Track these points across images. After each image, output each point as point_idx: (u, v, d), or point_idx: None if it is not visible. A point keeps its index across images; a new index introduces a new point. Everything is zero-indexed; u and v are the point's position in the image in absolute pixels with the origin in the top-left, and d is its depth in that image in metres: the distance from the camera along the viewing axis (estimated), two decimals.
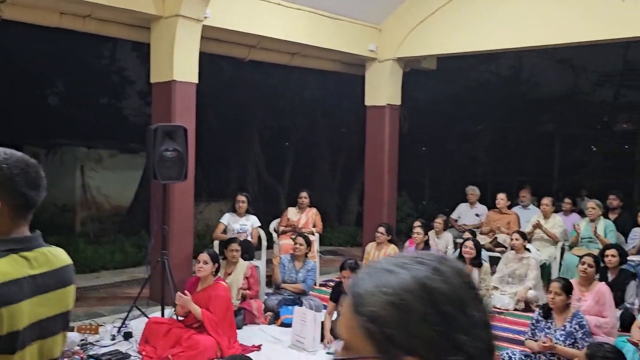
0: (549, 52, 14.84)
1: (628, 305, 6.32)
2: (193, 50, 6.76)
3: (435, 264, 0.91)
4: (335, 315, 6.04)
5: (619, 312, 5.98)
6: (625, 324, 5.92)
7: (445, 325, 0.85)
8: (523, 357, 4.98)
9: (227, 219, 7.68)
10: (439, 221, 8.54)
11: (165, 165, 5.77)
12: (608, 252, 6.49)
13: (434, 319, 0.85)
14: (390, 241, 8.01)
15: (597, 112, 17.14)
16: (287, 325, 6.15)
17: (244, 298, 6.50)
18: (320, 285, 8.02)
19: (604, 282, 6.00)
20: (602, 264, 6.35)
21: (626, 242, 7.66)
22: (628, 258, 7.03)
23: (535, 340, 4.99)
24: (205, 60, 7.36)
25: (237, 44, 8.21)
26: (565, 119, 16.27)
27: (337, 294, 6.01)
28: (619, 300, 6.10)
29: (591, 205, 7.86)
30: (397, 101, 9.42)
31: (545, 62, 15.99)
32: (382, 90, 9.29)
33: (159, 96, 6.84)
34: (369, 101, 9.46)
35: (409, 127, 12.29)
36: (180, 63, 6.62)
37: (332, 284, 7.57)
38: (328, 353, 5.62)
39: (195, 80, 6.84)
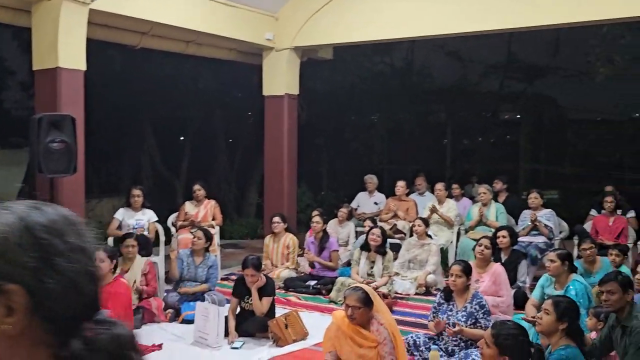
0: (439, 44, 15.36)
1: (520, 285, 6.62)
2: (79, 36, 6.33)
3: (38, 205, 0.98)
4: (238, 310, 5.91)
5: (512, 292, 6.23)
6: (519, 302, 6.19)
7: (43, 251, 0.92)
8: (427, 340, 5.07)
9: (121, 214, 7.32)
10: (343, 210, 8.61)
11: (52, 158, 5.36)
12: (499, 233, 6.77)
13: (31, 247, 0.91)
14: (287, 230, 7.98)
15: (485, 102, 17.96)
16: (189, 321, 5.94)
17: (140, 295, 6.21)
18: (222, 279, 7.82)
19: (499, 263, 6.25)
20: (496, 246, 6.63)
21: (516, 224, 8.03)
22: (519, 239, 7.37)
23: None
24: (94, 47, 6.93)
25: (128, 30, 7.81)
26: (456, 108, 16.92)
27: (239, 289, 5.88)
28: (511, 280, 6.37)
29: (482, 190, 8.19)
30: (295, 91, 9.35)
31: (435, 54, 16.52)
32: (280, 79, 9.18)
33: (43, 84, 6.36)
34: (266, 91, 9.32)
35: (306, 118, 12.29)
36: (65, 49, 6.17)
37: (234, 277, 7.41)
38: (233, 348, 5.48)
39: (83, 67, 6.42)
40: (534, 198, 7.87)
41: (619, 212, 7.74)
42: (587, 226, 7.72)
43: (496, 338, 3.20)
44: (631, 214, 7.96)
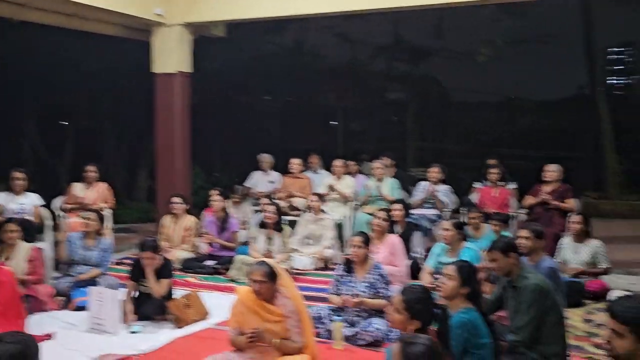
0: (328, 25, 15.50)
1: (414, 255, 6.88)
2: None
3: None
4: (136, 294, 5.71)
5: (408, 262, 6.45)
6: (413, 272, 6.43)
7: None
8: (331, 312, 5.15)
9: (2, 198, 6.83)
10: (236, 195, 8.57)
11: None
12: (394, 206, 7.00)
13: None
14: (187, 212, 7.83)
15: (374, 83, 18.38)
16: (82, 308, 5.64)
17: (23, 284, 5.82)
18: (116, 263, 7.52)
19: (395, 234, 6.45)
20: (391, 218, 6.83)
21: (408, 197, 8.32)
22: (411, 211, 7.65)
23: (339, 295, 5.18)
24: None
25: (2, 1, 7.23)
26: (346, 89, 17.20)
27: (136, 272, 5.67)
28: (407, 251, 6.60)
29: (377, 165, 8.40)
30: (188, 68, 9.08)
31: (325, 36, 16.67)
32: (171, 57, 8.87)
33: None
34: (157, 68, 8.98)
35: (199, 98, 11.99)
36: None
37: (128, 261, 7.15)
38: (132, 332, 5.28)
39: None
40: (435, 172, 8.17)
41: (502, 183, 8.21)
42: (473, 197, 8.13)
43: (407, 304, 3.26)
44: (513, 185, 8.48)
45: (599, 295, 6.01)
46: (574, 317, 5.52)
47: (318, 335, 4.91)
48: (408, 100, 17.70)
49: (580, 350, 4.74)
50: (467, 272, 3.75)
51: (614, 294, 5.65)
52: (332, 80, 17.12)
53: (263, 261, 4.22)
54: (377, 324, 4.88)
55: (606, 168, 13.18)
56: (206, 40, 9.89)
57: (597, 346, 4.78)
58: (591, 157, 14.11)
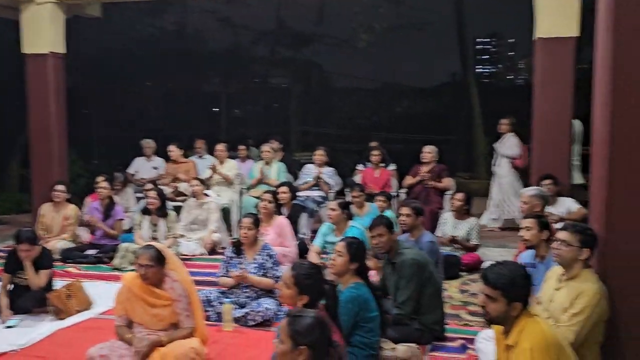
0: (210, 9, 15.27)
1: (301, 236, 7.02)
2: None
3: None
4: (11, 287, 5.39)
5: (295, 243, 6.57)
6: (300, 252, 6.56)
7: None
8: (219, 294, 5.15)
9: None
10: (117, 182, 8.30)
11: None
12: (281, 189, 7.09)
13: None
14: (68, 201, 7.50)
15: (257, 69, 18.36)
16: None
17: None
18: None
19: (283, 216, 6.54)
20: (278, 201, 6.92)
21: (294, 180, 8.45)
22: (298, 193, 7.78)
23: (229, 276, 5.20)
24: None
25: None
26: (230, 74, 17.05)
27: (11, 264, 5.36)
28: (295, 232, 6.71)
29: (266, 148, 8.45)
30: (61, 49, 8.61)
31: (208, 20, 16.41)
32: (43, 36, 8.37)
33: None
34: (27, 48, 8.45)
35: (75, 81, 11.41)
36: None
37: (1, 254, 6.73)
38: (8, 327, 5.00)
39: None
40: (320, 155, 8.33)
41: (384, 165, 8.54)
42: (357, 179, 8.40)
43: (296, 278, 3.33)
44: (393, 167, 8.84)
45: (474, 267, 6.44)
46: (451, 288, 5.90)
47: (208, 318, 4.91)
48: (291, 85, 17.85)
49: (457, 318, 5.07)
50: (355, 249, 3.90)
51: (486, 265, 6.07)
52: (215, 65, 16.91)
53: (150, 245, 4.14)
54: (267, 304, 4.95)
55: (476, 150, 14.04)
56: (81, 21, 9.43)
57: (472, 313, 5.13)
58: (463, 139, 14.94)
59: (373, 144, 9.54)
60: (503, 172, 8.47)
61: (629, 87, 3.53)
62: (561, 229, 3.77)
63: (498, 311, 2.93)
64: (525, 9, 7.53)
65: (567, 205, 6.65)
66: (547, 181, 6.66)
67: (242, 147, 9.42)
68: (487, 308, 2.95)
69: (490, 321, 3.02)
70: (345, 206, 6.14)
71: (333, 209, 6.03)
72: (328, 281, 3.46)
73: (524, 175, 8.18)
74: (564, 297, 3.57)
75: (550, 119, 7.16)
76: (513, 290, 2.91)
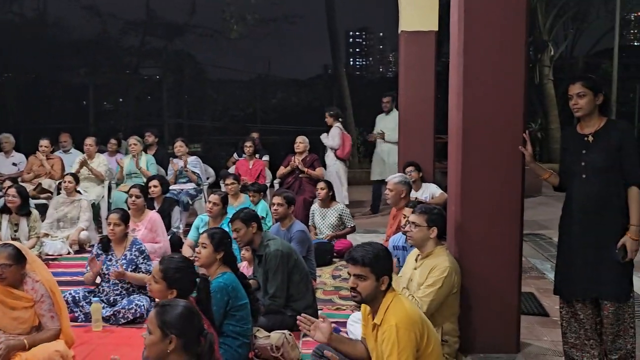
0: None
1: (175, 230, 6.89)
2: None
3: None
4: None
5: (168, 237, 6.44)
6: (175, 246, 6.44)
7: None
8: (87, 294, 4.95)
9: None
10: None
11: None
12: (151, 183, 6.89)
13: None
14: None
15: (127, 59, 17.72)
16: None
17: None
18: None
19: (154, 211, 6.38)
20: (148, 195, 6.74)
21: (166, 174, 8.26)
22: (172, 187, 7.63)
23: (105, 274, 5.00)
24: None
25: None
26: (98, 65, 16.33)
27: None
28: (167, 226, 6.57)
29: (132, 141, 8.18)
30: None
31: (72, 7, 15.62)
32: None
33: None
34: None
35: None
36: None
37: None
38: None
39: None
40: (179, 147, 8.20)
41: (257, 156, 8.58)
42: (232, 170, 8.38)
43: (165, 272, 3.27)
44: (266, 157, 8.92)
45: (345, 253, 6.63)
46: (324, 275, 6.06)
47: (75, 319, 4.72)
48: (163, 76, 17.41)
49: (330, 302, 5.22)
50: (218, 238, 3.90)
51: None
52: (81, 55, 16.12)
53: (7, 243, 3.90)
54: (138, 301, 4.83)
55: None
56: None
57: (344, 298, 5.30)
58: None
59: (254, 134, 9.60)
60: (329, 161, 8.82)
61: (477, 78, 3.81)
62: (411, 213, 4.00)
63: (369, 289, 3.02)
64: (392, 3, 7.85)
65: (431, 191, 7.04)
66: (410, 168, 7.03)
67: (113, 141, 9.07)
68: (358, 288, 3.03)
69: (360, 302, 3.12)
70: (226, 200, 6.10)
71: (216, 203, 5.96)
72: (199, 274, 3.43)
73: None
74: (420, 275, 3.80)
75: (414, 109, 7.53)
76: (378, 264, 3.02)
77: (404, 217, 4.72)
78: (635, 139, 3.52)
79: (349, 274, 3.12)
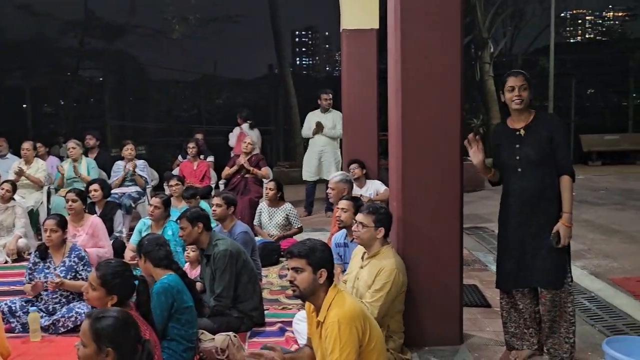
0: None
1: (117, 235, 6.73)
2: None
3: None
4: None
5: (111, 241, 6.28)
6: (118, 251, 6.30)
7: None
8: (24, 303, 4.78)
9: None
10: None
11: None
12: (91, 187, 6.73)
13: None
14: None
15: (65, 60, 17.24)
16: None
17: None
18: None
19: (95, 215, 6.22)
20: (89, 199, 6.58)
21: (108, 177, 8.06)
22: (112, 191, 7.45)
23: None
24: None
25: None
26: (35, 66, 15.81)
27: None
28: (109, 231, 6.41)
29: (71, 145, 7.94)
30: None
31: (4, 7, 15.10)
32: None
33: None
34: None
35: None
36: None
37: None
38: None
39: None
40: (130, 150, 8.03)
41: (202, 157, 8.48)
42: (176, 172, 8.25)
43: (103, 279, 3.17)
44: (211, 158, 8.83)
45: None
46: (271, 275, 6.03)
47: (12, 330, 4.56)
48: (104, 78, 17.02)
49: (276, 302, 5.19)
50: (146, 245, 3.88)
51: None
52: (17, 57, 15.58)
53: None
54: (78, 308, 4.69)
55: (294, 139, 14.46)
56: None
57: (290, 297, 5.28)
58: (282, 129, 15.31)
59: (198, 135, 9.49)
60: None
61: (415, 75, 3.86)
62: (359, 211, 4.02)
63: (306, 281, 2.99)
64: (336, 2, 7.88)
65: (375, 187, 7.11)
66: (354, 165, 7.08)
67: (39, 144, 8.81)
68: (296, 281, 3.02)
69: (300, 296, 3.10)
70: (168, 203, 5.99)
71: (157, 207, 5.85)
72: (138, 277, 3.35)
73: None
74: (367, 275, 3.81)
75: (358, 106, 7.58)
76: (314, 256, 3.00)
77: (338, 209, 4.75)
78: (565, 130, 3.63)
79: (288, 269, 3.10)
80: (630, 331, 4.31)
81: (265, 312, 4.75)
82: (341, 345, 2.88)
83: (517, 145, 3.62)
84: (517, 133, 3.63)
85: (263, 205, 7.04)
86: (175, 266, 3.88)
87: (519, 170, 3.62)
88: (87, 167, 7.92)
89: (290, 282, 3.05)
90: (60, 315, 4.64)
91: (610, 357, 3.21)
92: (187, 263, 5.30)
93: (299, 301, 5.04)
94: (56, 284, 4.69)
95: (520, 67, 17.23)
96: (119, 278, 3.19)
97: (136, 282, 3.31)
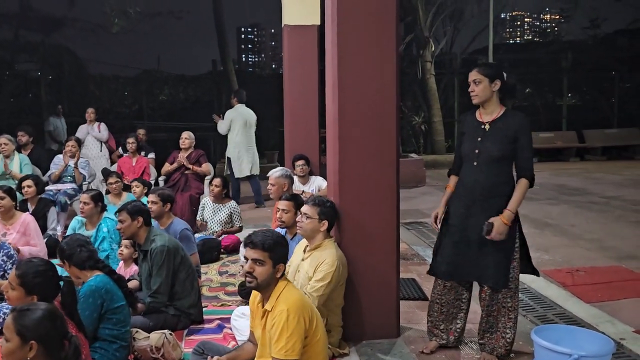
0: None
1: (51, 233, 6.53)
2: None
3: None
4: None
5: (45, 240, 6.08)
6: (52, 249, 6.09)
7: None
8: None
9: None
10: None
11: None
12: (24, 183, 6.52)
13: None
14: None
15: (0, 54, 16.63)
16: None
17: None
18: None
19: (27, 213, 6.00)
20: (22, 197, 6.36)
21: (43, 174, 7.81)
22: (48, 187, 7.23)
23: None
24: None
25: None
26: None
27: None
28: (42, 229, 6.21)
29: (2, 141, 7.64)
30: None
31: None
32: None
33: None
34: None
35: None
36: None
37: None
38: None
39: None
40: (70, 146, 7.78)
41: (142, 153, 8.32)
42: (114, 168, 8.07)
43: (22, 278, 3.05)
44: (152, 155, 8.68)
45: (233, 249, 6.60)
46: (210, 271, 5.97)
47: None
48: (40, 72, 16.45)
49: (215, 299, 5.14)
50: (63, 249, 3.76)
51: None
52: None
53: None
54: (6, 309, 4.52)
55: None
56: None
57: (229, 294, 5.24)
58: None
59: (140, 131, 9.35)
60: None
61: (351, 70, 3.88)
62: (305, 203, 4.02)
63: (265, 274, 3.00)
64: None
65: (317, 184, 7.12)
66: (300, 162, 7.06)
67: None
68: (255, 272, 3.00)
69: (255, 287, 3.08)
70: (99, 198, 5.83)
71: (86, 202, 5.70)
72: (63, 278, 3.24)
73: None
74: (308, 266, 3.82)
75: (299, 102, 7.59)
76: (277, 250, 3.03)
77: (278, 210, 4.74)
78: (530, 133, 3.57)
79: (245, 258, 3.08)
80: (560, 320, 4.46)
81: (204, 309, 4.69)
82: (288, 334, 2.90)
83: (479, 139, 3.61)
84: (482, 127, 3.62)
85: (207, 200, 6.95)
86: (101, 265, 3.76)
87: (475, 163, 3.62)
88: (20, 163, 7.63)
89: (249, 272, 3.03)
90: None
91: (538, 345, 3.31)
92: (121, 262, 5.18)
93: (238, 297, 5.04)
94: None
95: (459, 67, 17.63)
96: (40, 277, 3.07)
97: (61, 283, 3.21)
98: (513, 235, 3.59)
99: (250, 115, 9.48)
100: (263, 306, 3.11)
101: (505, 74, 3.64)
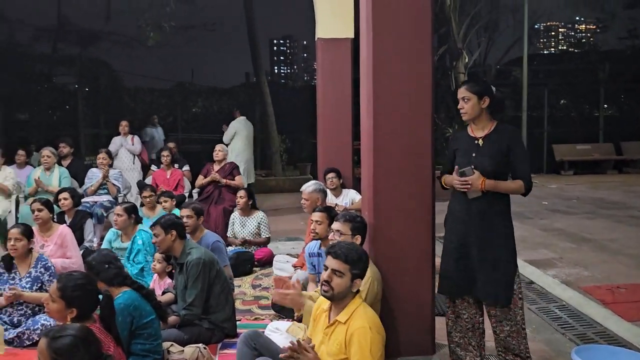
0: None
1: (88, 245, 6.61)
2: None
3: None
4: None
5: (81, 252, 6.16)
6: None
7: None
8: None
9: None
10: None
11: None
12: (60, 195, 6.62)
13: None
14: None
15: (38, 68, 16.99)
16: None
17: None
18: None
19: (64, 225, 6.09)
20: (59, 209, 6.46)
21: (80, 186, 7.94)
22: (84, 199, 7.34)
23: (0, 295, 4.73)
24: None
25: None
26: (6, 73, 15.53)
27: None
28: (79, 241, 6.29)
29: (46, 153, 7.79)
30: None
31: None
32: None
33: None
34: None
35: None
36: None
37: None
38: None
39: None
40: (103, 158, 7.93)
41: (176, 166, 8.41)
42: (149, 181, 8.16)
43: (63, 291, 3.09)
44: (186, 167, 8.76)
45: (266, 262, 6.60)
46: (244, 285, 5.97)
47: None
48: (77, 85, 16.78)
49: (249, 313, 5.13)
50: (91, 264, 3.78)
51: (277, 259, 6.25)
52: None
53: None
54: (44, 320, 4.58)
55: (271, 148, 14.42)
56: None
57: (263, 307, 5.23)
58: (259, 138, 15.25)
59: (170, 144, 9.46)
60: None
61: (386, 84, 3.86)
62: (335, 220, 4.00)
63: (343, 286, 3.03)
64: (313, 11, 7.88)
65: (351, 196, 7.08)
66: (331, 174, 7.04)
67: (21, 152, 8.65)
68: (332, 283, 3.03)
69: (330, 297, 3.08)
70: (132, 211, 5.89)
71: (119, 215, 5.77)
72: (102, 291, 3.27)
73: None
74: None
75: (333, 115, 7.58)
76: (358, 266, 3.06)
77: (312, 222, 4.72)
78: (523, 143, 3.55)
79: (325, 266, 3.09)
80: (600, 339, 4.34)
81: (237, 322, 4.68)
82: (372, 349, 2.92)
83: (474, 154, 3.55)
84: (476, 142, 3.56)
85: (235, 215, 6.98)
86: (129, 281, 3.78)
87: None
88: (60, 176, 7.78)
89: (326, 281, 3.05)
90: (25, 328, 4.52)
91: None
92: (156, 274, 5.21)
93: (271, 311, 5.03)
94: (10, 296, 4.58)
95: (493, 78, 17.45)
96: (79, 291, 3.11)
97: (100, 297, 3.24)
98: (512, 252, 3.53)
99: (251, 128, 10.76)
100: (331, 316, 3.13)
101: (494, 89, 3.59)
